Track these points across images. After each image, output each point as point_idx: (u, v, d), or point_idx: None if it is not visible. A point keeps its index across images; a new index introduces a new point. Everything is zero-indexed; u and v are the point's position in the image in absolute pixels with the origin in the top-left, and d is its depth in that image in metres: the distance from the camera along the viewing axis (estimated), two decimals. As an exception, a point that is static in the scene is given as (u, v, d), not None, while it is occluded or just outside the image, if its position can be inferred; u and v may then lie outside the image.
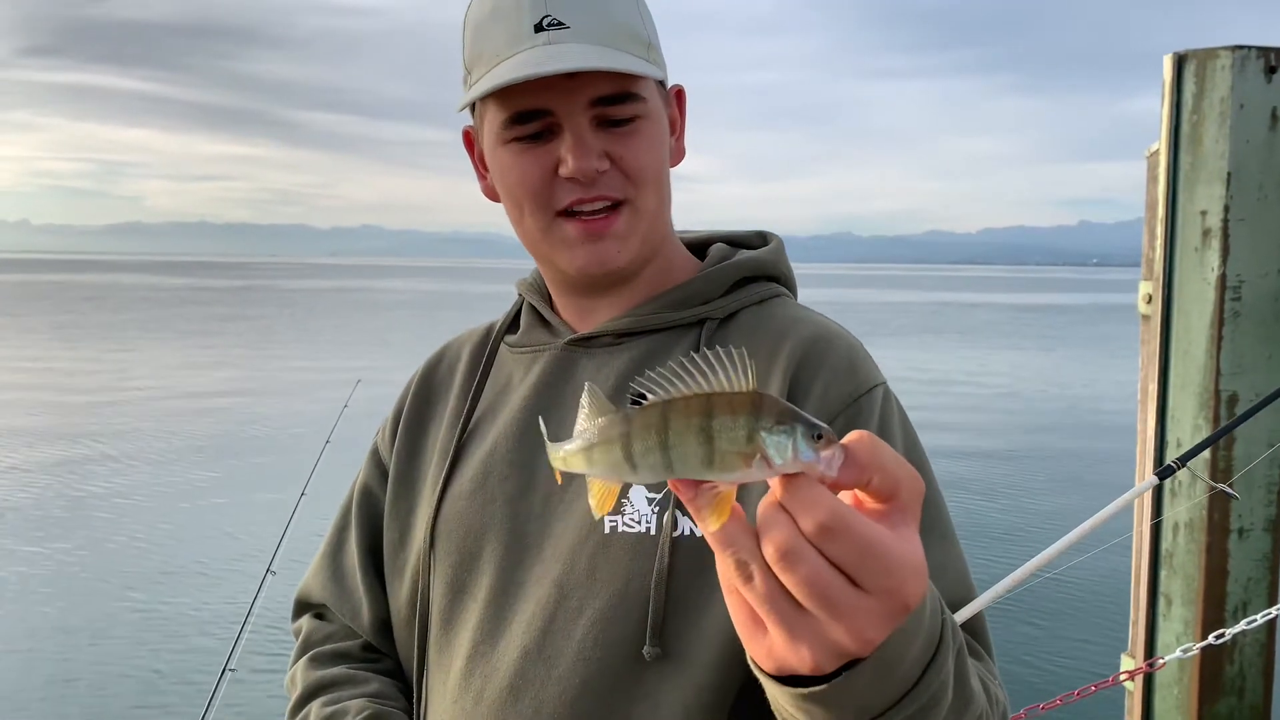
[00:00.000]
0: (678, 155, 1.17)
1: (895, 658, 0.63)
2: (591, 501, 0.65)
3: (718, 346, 0.60)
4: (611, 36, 1.04)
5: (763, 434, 0.57)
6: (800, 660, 0.61)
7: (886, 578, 0.58)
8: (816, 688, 0.64)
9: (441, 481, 1.17)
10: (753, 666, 0.68)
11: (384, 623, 1.23)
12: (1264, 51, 3.60)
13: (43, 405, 17.02)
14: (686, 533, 1.00)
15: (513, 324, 1.28)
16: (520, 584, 1.07)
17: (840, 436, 0.60)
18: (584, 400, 0.65)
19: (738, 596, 0.63)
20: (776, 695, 0.68)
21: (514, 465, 1.13)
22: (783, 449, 0.57)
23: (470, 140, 1.20)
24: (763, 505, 0.60)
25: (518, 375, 1.20)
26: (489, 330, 1.31)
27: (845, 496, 0.62)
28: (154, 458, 12.92)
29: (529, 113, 1.05)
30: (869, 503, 0.62)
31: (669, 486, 0.62)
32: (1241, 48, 3.60)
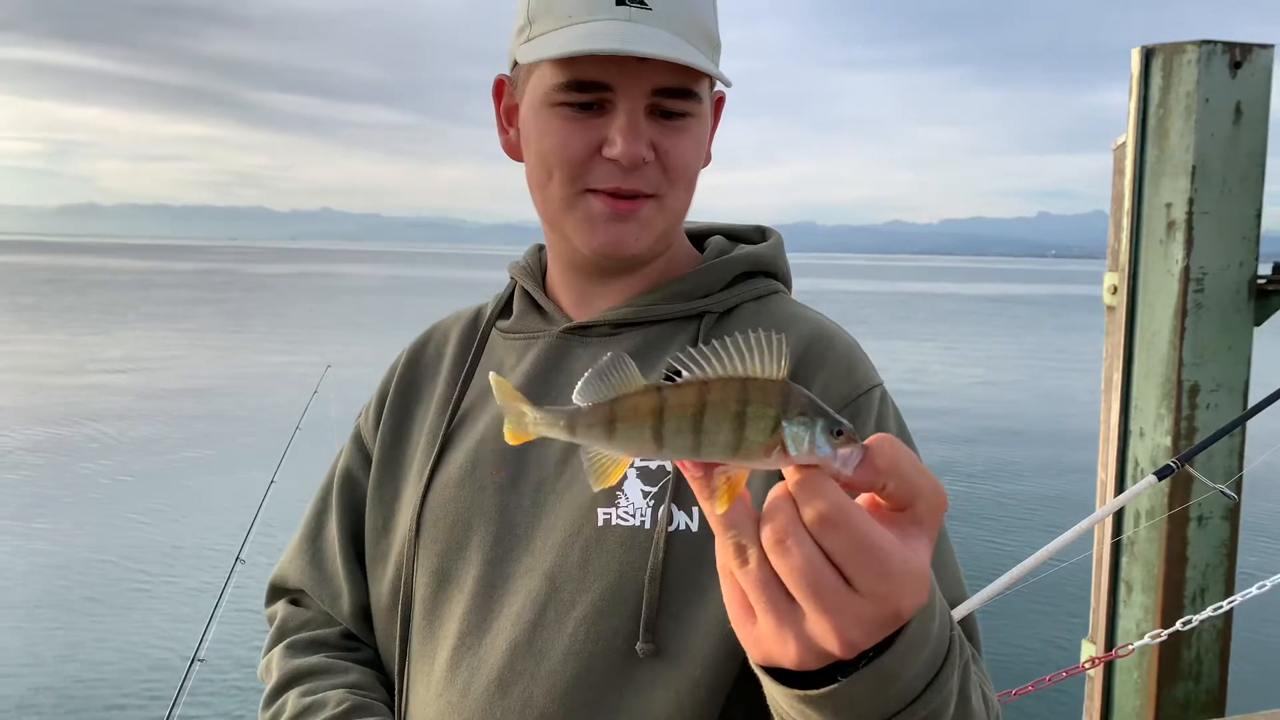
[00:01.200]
0: (706, 159, 1.14)
1: (898, 668, 0.63)
2: (593, 473, 0.62)
3: (760, 330, 0.59)
4: (688, 29, 1.01)
5: (784, 424, 0.57)
6: (784, 653, 0.60)
7: (881, 581, 0.57)
8: (815, 691, 0.63)
9: (429, 468, 1.14)
10: (752, 664, 0.67)
11: (364, 610, 1.20)
12: (1229, 47, 3.65)
13: (13, 388, 16.72)
14: (681, 527, 0.99)
15: (504, 309, 1.24)
16: (509, 575, 1.05)
17: None
18: (608, 367, 0.61)
19: (732, 581, 0.62)
20: (776, 695, 0.67)
21: (504, 454, 1.11)
22: (800, 441, 0.57)
23: (501, 90, 1.14)
24: (772, 492, 0.59)
25: (510, 361, 1.17)
26: (478, 314, 1.27)
27: (862, 500, 0.61)
28: (123, 444, 12.73)
29: (589, 83, 1.00)
30: (884, 508, 0.60)
31: (676, 465, 0.60)
32: (1208, 42, 3.65)
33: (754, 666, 0.67)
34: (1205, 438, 3.70)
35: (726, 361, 0.58)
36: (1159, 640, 2.69)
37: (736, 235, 1.23)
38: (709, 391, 0.58)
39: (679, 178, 1.06)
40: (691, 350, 0.59)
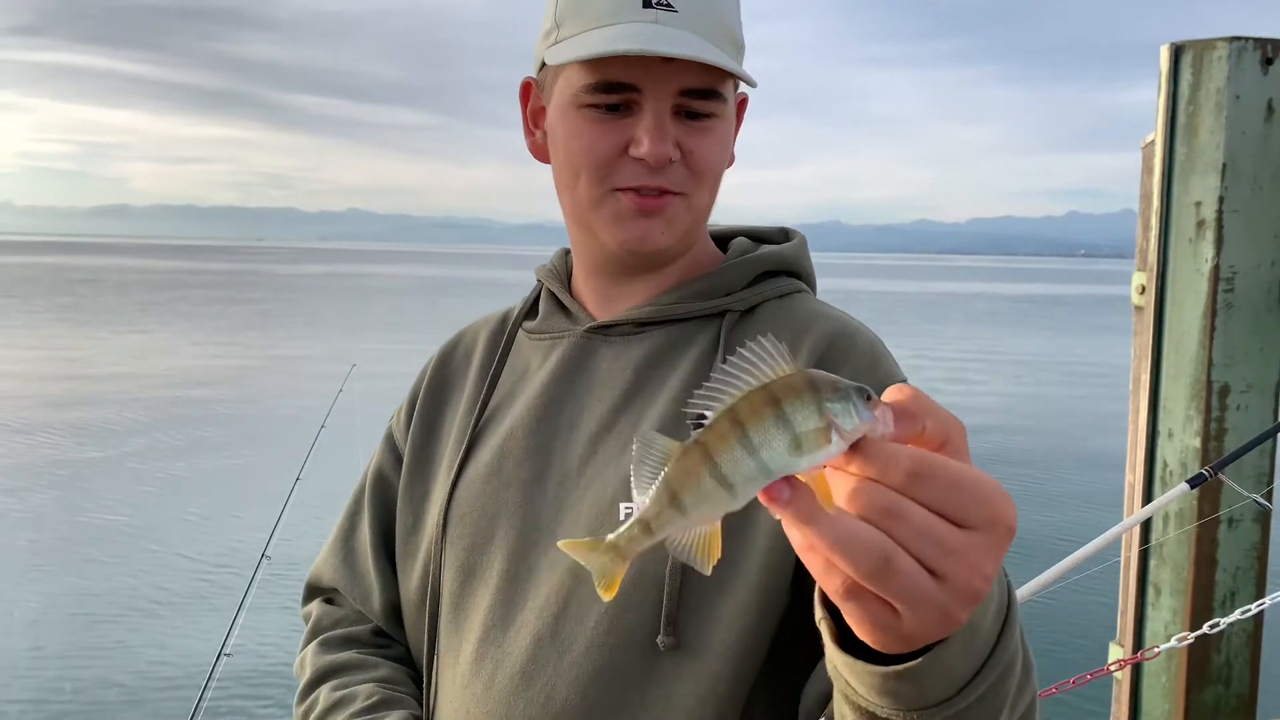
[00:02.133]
0: (730, 160, 1.16)
1: (978, 621, 0.63)
2: (698, 560, 0.60)
3: (747, 342, 0.59)
4: (713, 31, 1.04)
5: (827, 405, 0.56)
6: (942, 626, 0.59)
7: (986, 506, 0.57)
8: (911, 663, 0.62)
9: (457, 466, 1.16)
10: (839, 654, 0.66)
11: (395, 607, 1.23)
12: (1261, 43, 3.60)
13: (55, 388, 17.01)
14: None
15: (531, 310, 1.27)
16: (533, 569, 1.07)
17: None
18: (640, 454, 0.59)
19: (862, 596, 0.59)
20: (857, 682, 0.66)
21: (530, 451, 1.12)
22: (848, 415, 0.56)
23: (528, 92, 1.16)
24: (838, 487, 0.58)
25: (535, 361, 1.20)
26: (505, 316, 1.30)
27: None
28: (156, 441, 12.93)
29: (616, 84, 1.03)
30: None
31: (760, 499, 0.57)
32: (1238, 39, 3.61)
33: (843, 658, 0.66)
34: (1235, 438, 3.66)
35: (737, 382, 0.58)
36: (1185, 643, 2.66)
37: (760, 236, 1.24)
38: (739, 413, 0.57)
39: (704, 177, 1.08)
40: (699, 392, 0.58)
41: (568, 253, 1.26)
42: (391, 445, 1.30)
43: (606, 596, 0.64)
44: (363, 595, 1.25)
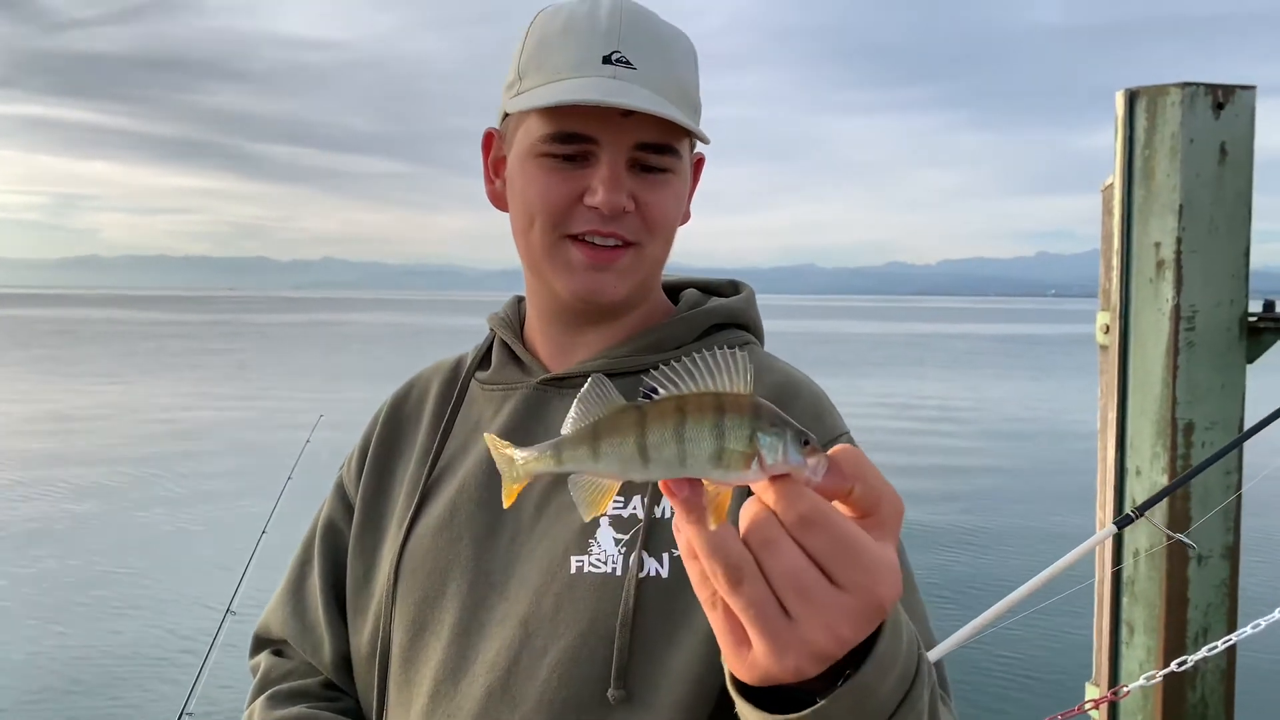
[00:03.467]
0: (685, 217, 1.19)
1: (874, 683, 0.65)
2: (583, 501, 0.64)
3: (725, 348, 0.62)
4: (670, 90, 1.06)
5: (759, 435, 0.60)
6: (783, 667, 0.62)
7: (862, 574, 0.60)
8: (796, 715, 0.65)
9: (409, 518, 1.16)
10: (734, 693, 0.69)
11: (345, 659, 1.21)
12: (1211, 89, 3.69)
13: (39, 439, 16.83)
14: (652, 574, 1.00)
15: (484, 359, 1.27)
16: (484, 623, 1.06)
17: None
18: (588, 392, 0.64)
19: (721, 610, 0.64)
20: None
21: (481, 505, 1.12)
22: (774, 450, 0.59)
23: (490, 142, 1.19)
24: (746, 504, 0.62)
25: (488, 413, 1.20)
26: (458, 365, 1.30)
27: None
28: (119, 491, 12.80)
29: (574, 135, 1.05)
30: (850, 514, 0.63)
31: (660, 487, 0.62)
32: (1190, 84, 3.70)
33: (738, 699, 0.68)
34: (1201, 480, 3.68)
35: (698, 378, 0.61)
36: (1153, 681, 2.66)
37: (710, 288, 1.27)
38: (686, 404, 0.60)
39: (657, 229, 1.10)
40: (664, 368, 0.62)
41: (520, 300, 1.27)
42: (342, 494, 1.29)
43: (505, 504, 0.69)
44: (313, 647, 1.23)
